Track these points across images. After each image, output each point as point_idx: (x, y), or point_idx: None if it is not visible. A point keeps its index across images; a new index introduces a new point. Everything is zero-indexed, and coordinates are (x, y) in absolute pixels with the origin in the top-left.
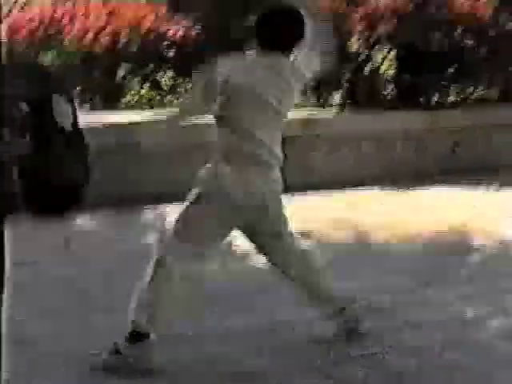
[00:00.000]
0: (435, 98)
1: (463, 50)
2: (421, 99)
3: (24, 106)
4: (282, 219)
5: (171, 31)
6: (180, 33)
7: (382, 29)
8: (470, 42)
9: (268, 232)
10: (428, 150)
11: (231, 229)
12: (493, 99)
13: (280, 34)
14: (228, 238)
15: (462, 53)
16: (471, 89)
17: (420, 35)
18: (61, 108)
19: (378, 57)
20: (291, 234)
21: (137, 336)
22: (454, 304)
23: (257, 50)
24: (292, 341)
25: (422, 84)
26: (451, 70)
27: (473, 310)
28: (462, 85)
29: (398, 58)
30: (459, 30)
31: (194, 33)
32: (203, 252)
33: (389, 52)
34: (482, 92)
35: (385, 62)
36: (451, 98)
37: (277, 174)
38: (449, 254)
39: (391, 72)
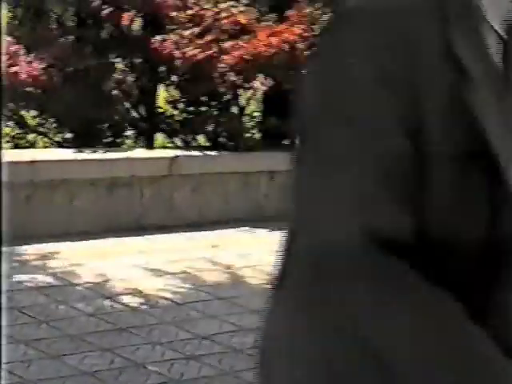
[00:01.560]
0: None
1: None
2: (286, 141)
3: None
4: None
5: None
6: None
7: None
8: None
9: None
10: None
11: None
12: None
13: None
14: None
15: None
16: None
17: (288, 76)
18: None
19: (244, 98)
20: None
21: None
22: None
23: None
24: None
25: (287, 126)
26: None
27: None
28: None
29: (264, 99)
30: None
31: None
32: None
33: (255, 93)
34: None
35: (251, 103)
36: None
37: None
38: None
39: (257, 113)
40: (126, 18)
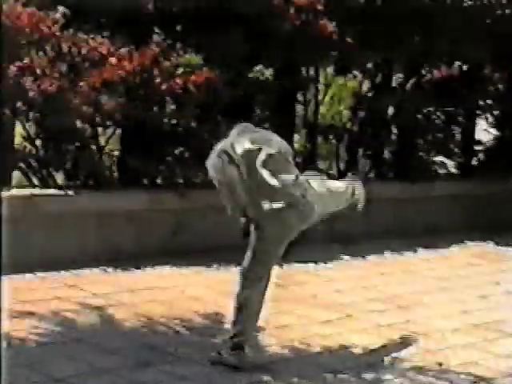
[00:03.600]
0: (159, 179)
1: (191, 131)
2: (144, 180)
3: None
4: None
5: None
6: None
7: (107, 107)
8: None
9: None
10: (150, 230)
11: None
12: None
13: None
14: None
15: (190, 134)
16: (196, 171)
17: (147, 114)
18: None
19: (103, 136)
20: None
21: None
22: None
23: None
24: None
25: (147, 164)
26: (177, 152)
27: None
28: (188, 166)
29: (122, 137)
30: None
31: None
32: None
33: (114, 131)
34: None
35: (110, 141)
36: (177, 180)
37: None
38: (168, 333)
39: (116, 152)
40: None
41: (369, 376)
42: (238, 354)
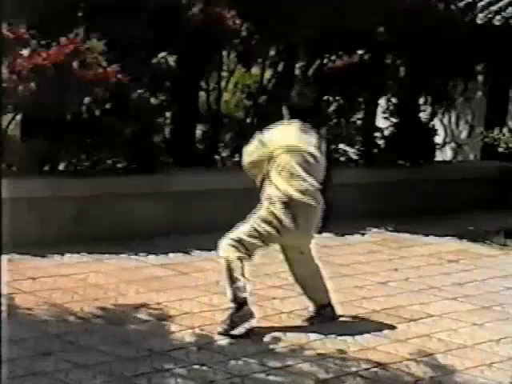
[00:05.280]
0: (61, 166)
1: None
2: (46, 166)
3: None
4: None
5: None
6: None
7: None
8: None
9: None
10: (52, 218)
11: None
12: (118, 169)
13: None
14: None
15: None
16: (99, 157)
17: (54, 99)
18: None
19: (5, 120)
20: None
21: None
22: (71, 372)
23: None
24: None
25: (48, 150)
26: (81, 139)
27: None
28: (94, 153)
29: (24, 121)
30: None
31: None
32: None
33: (14, 117)
34: (110, 161)
35: (11, 125)
36: (79, 167)
37: None
38: (69, 321)
39: (17, 136)
40: None
41: (271, 363)
42: (248, 323)
